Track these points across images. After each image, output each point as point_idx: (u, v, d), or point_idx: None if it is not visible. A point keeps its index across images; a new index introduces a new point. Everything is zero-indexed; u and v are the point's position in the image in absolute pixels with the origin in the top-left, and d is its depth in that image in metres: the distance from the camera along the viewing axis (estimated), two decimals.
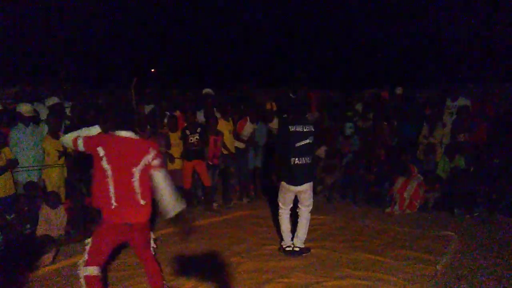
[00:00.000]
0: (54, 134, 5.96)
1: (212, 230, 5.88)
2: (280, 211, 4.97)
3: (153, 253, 3.66)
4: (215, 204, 6.99)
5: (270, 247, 5.16)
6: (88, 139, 3.44)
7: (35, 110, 6.14)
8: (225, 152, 7.17)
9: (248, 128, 7.32)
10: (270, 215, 6.62)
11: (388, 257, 4.73)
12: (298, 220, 4.93)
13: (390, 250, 4.93)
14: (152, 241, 3.70)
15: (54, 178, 5.92)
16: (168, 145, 6.79)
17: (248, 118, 7.31)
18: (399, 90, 8.41)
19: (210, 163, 7.03)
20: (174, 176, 6.78)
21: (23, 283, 4.28)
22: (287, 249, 4.90)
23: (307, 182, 4.73)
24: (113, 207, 3.32)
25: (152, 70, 22.94)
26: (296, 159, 4.62)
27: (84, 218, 5.54)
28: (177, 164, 6.85)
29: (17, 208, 5.12)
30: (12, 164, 5.57)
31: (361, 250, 4.97)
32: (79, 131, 3.62)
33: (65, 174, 6.12)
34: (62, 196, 5.88)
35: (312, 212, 4.96)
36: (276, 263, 4.64)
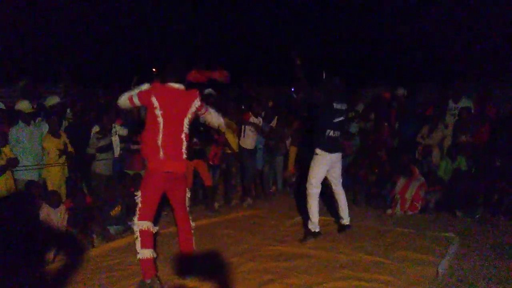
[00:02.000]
0: (55, 133, 5.96)
1: (213, 230, 5.87)
2: (310, 190, 5.14)
3: (188, 213, 4.04)
4: (216, 204, 6.98)
5: (271, 247, 5.14)
6: (142, 93, 3.78)
7: (39, 107, 6.15)
8: (227, 151, 7.16)
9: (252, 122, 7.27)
10: (271, 215, 6.62)
11: (389, 258, 4.71)
12: (338, 198, 5.35)
13: (391, 252, 4.92)
14: (187, 200, 4.05)
15: (55, 177, 5.92)
16: None
17: (250, 114, 7.26)
18: (400, 91, 8.39)
19: (211, 163, 7.02)
20: None
21: (24, 282, 4.27)
22: (317, 230, 5.16)
23: (338, 152, 5.19)
24: (160, 157, 3.68)
25: (154, 69, 22.93)
26: (332, 132, 5.06)
27: (85, 218, 5.53)
28: None
29: (18, 207, 5.11)
30: (12, 163, 5.56)
31: (362, 251, 4.95)
32: (131, 91, 3.91)
33: (66, 173, 6.11)
34: (63, 195, 5.88)
35: None
36: (277, 263, 4.62)
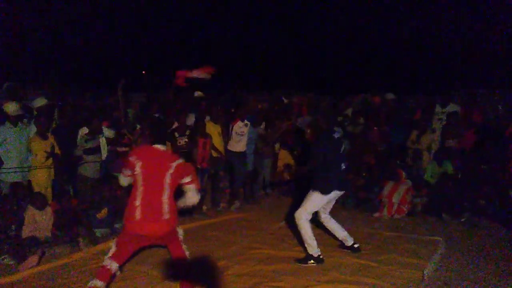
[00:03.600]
0: (43, 134, 5.89)
1: (201, 233, 5.85)
2: (301, 221, 4.75)
3: (183, 250, 3.88)
4: (204, 207, 6.95)
5: (258, 250, 5.14)
6: (127, 159, 3.80)
7: (23, 108, 6.06)
8: (214, 154, 7.14)
9: (238, 128, 7.27)
10: (259, 218, 6.62)
11: (376, 261, 4.74)
12: (331, 224, 5.04)
13: (378, 255, 4.94)
14: (180, 235, 3.92)
15: (41, 179, 5.84)
16: None
17: (238, 120, 7.27)
18: (389, 96, 8.47)
19: (199, 166, 6.99)
20: None
21: (8, 286, 4.21)
22: (321, 257, 4.74)
23: (346, 189, 4.97)
24: (136, 219, 3.55)
25: (143, 72, 22.84)
26: (337, 167, 4.69)
27: (71, 220, 5.47)
28: None
29: (2, 208, 5.04)
30: None
31: (349, 254, 4.97)
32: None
33: (52, 175, 6.04)
34: (49, 197, 5.81)
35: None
36: (264, 266, 4.62)
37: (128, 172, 3.76)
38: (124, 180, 3.94)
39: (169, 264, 4.49)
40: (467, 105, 7.99)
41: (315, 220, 5.06)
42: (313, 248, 4.73)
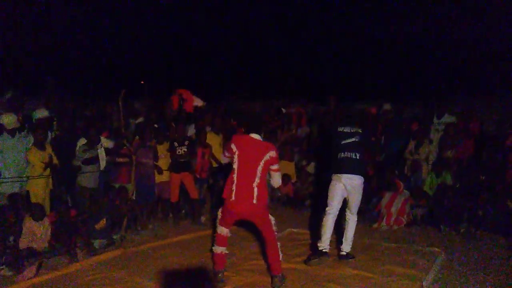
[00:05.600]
0: (40, 145, 5.88)
1: (199, 244, 5.83)
2: (326, 210, 5.11)
3: (274, 235, 4.44)
4: (203, 218, 6.94)
5: (257, 261, 5.12)
6: (227, 144, 4.48)
7: (23, 118, 6.06)
8: (214, 165, 7.15)
9: None
10: (257, 230, 6.59)
11: (375, 272, 4.72)
12: (346, 224, 5.23)
13: (376, 266, 4.93)
14: (272, 220, 4.44)
15: (39, 190, 5.82)
16: (156, 157, 6.75)
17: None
18: (387, 106, 8.50)
19: (198, 176, 7.00)
20: (162, 188, 6.81)
21: None
22: (324, 250, 5.03)
23: (353, 173, 5.06)
24: (232, 199, 4.20)
25: (142, 82, 22.92)
26: (342, 153, 5.09)
27: (69, 231, 5.45)
28: (165, 176, 6.80)
29: (3, 220, 5.02)
30: None
31: (348, 265, 4.97)
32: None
33: (50, 186, 6.03)
34: (47, 208, 5.78)
35: (299, 226, 4.99)
36: (263, 277, 4.61)
37: (228, 155, 4.39)
38: (224, 160, 4.60)
39: (165, 275, 4.50)
40: (464, 115, 8.03)
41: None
42: (322, 242, 5.07)
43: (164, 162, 6.78)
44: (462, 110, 8.26)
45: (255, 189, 4.15)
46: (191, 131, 7.23)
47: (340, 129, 5.23)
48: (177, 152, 6.67)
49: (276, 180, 4.49)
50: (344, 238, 5.22)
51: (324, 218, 5.10)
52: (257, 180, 4.16)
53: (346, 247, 5.18)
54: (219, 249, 4.43)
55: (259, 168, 4.17)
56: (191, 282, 4.61)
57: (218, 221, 4.47)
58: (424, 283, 4.33)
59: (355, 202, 5.13)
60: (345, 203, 5.19)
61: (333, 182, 5.11)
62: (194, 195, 6.80)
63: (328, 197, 5.13)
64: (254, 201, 4.16)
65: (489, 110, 9.05)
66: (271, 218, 4.44)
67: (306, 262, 5.00)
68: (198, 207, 6.93)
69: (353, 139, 5.14)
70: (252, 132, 4.37)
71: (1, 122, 5.77)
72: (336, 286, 4.38)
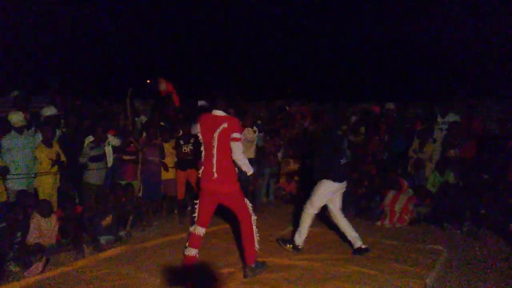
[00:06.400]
0: (48, 142, 5.96)
1: (204, 241, 5.86)
2: (309, 211, 5.33)
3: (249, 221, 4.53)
4: None
5: (261, 259, 5.15)
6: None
7: (31, 116, 6.12)
8: None
9: (248, 134, 7.31)
10: (261, 227, 6.60)
11: (378, 270, 4.76)
12: (342, 223, 5.40)
13: (379, 264, 4.97)
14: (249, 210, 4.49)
15: (47, 187, 5.91)
16: (163, 155, 6.81)
17: (246, 128, 7.31)
18: (390, 105, 8.53)
19: None
20: (167, 186, 6.87)
21: None
22: (300, 247, 5.35)
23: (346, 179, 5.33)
24: (199, 176, 4.40)
25: (148, 81, 22.92)
26: (342, 160, 5.20)
27: (76, 228, 5.52)
28: (171, 173, 6.86)
29: (11, 217, 5.09)
30: (3, 172, 5.56)
31: (351, 263, 5.00)
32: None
33: (58, 183, 6.11)
34: (54, 204, 5.86)
35: None
36: (267, 274, 4.65)
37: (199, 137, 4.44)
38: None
39: (170, 271, 4.55)
40: (467, 115, 8.05)
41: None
42: (300, 238, 5.36)
43: (169, 160, 6.84)
44: (465, 109, 8.27)
45: (214, 165, 4.20)
46: (196, 130, 7.26)
47: (337, 134, 5.35)
48: (183, 150, 6.73)
49: (235, 152, 4.22)
50: (348, 235, 5.39)
51: (308, 217, 5.36)
52: (214, 154, 4.19)
53: (357, 241, 5.34)
54: (192, 252, 4.50)
55: (214, 142, 4.17)
56: (195, 278, 4.66)
57: (195, 219, 4.48)
58: (427, 281, 4.36)
59: (340, 198, 5.40)
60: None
61: (330, 189, 5.21)
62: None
63: (316, 201, 5.28)
64: (215, 176, 4.22)
65: (492, 110, 9.05)
66: (248, 203, 4.47)
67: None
68: None
69: (345, 145, 5.39)
70: (216, 109, 4.31)
71: (8, 120, 5.85)
72: (339, 283, 4.41)
